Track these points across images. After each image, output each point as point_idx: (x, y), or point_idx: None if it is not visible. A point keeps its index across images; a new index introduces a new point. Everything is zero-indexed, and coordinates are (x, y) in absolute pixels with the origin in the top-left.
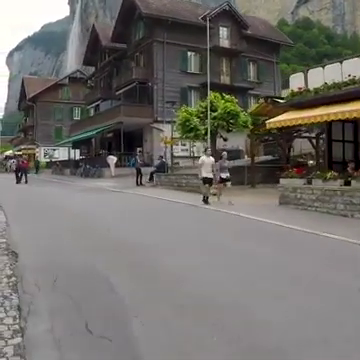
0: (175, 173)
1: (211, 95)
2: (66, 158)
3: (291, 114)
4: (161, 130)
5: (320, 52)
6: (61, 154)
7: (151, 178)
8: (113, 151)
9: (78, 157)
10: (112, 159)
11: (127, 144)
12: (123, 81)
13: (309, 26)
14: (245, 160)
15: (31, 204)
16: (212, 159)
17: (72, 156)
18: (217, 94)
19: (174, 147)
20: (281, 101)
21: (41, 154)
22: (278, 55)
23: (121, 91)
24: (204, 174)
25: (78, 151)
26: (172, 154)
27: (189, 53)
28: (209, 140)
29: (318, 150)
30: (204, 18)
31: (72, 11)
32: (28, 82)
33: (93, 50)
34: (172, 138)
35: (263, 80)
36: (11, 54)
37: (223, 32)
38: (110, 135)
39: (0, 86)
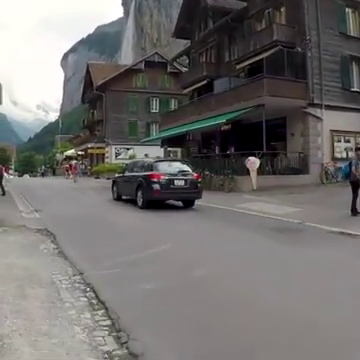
0: None
1: None
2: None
3: None
4: (319, 118)
5: None
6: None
7: None
8: (230, 150)
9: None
10: (254, 162)
11: (251, 141)
12: (253, 47)
13: None
14: None
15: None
16: None
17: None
18: None
19: (336, 144)
20: None
21: (112, 154)
22: None
23: (250, 61)
24: None
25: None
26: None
27: (347, 10)
28: None
29: None
30: None
31: (126, 11)
32: (95, 69)
33: (189, 17)
34: None
35: None
36: (65, 56)
37: None
38: (226, 128)
39: (56, 88)
